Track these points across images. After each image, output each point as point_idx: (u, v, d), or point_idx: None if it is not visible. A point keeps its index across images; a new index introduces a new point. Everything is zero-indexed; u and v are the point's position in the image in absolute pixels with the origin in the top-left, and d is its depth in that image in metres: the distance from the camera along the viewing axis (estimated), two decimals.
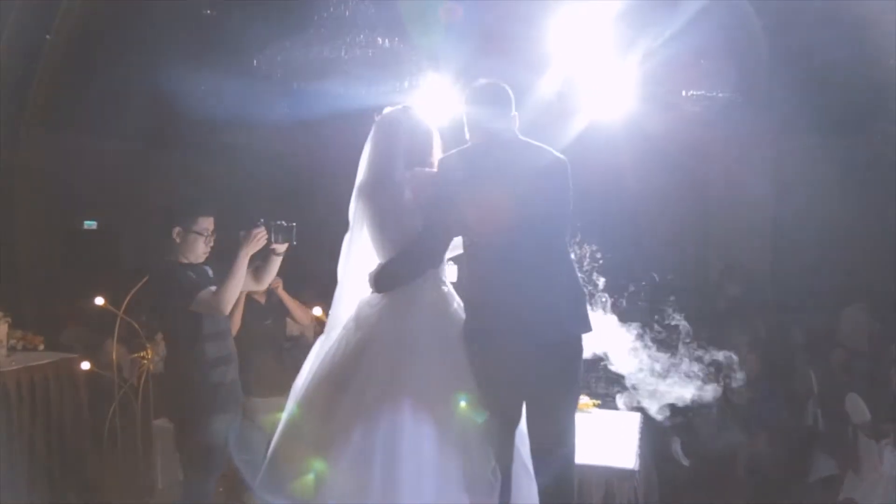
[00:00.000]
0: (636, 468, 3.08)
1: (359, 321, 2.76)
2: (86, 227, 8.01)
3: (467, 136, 2.81)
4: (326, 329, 2.89)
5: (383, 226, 2.77)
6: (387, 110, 2.89)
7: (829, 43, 5.72)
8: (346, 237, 2.89)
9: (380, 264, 2.80)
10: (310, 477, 2.55)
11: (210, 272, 3.29)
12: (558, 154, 2.69)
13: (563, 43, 5.05)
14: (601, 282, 3.44)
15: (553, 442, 2.61)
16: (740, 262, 7.29)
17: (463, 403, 2.58)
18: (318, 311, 4.11)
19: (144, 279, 4.50)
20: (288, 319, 4.36)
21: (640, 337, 3.49)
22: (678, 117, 6.65)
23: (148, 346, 4.65)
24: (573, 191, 2.69)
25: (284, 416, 2.80)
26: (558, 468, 2.61)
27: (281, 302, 4.16)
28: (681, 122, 6.65)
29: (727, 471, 4.97)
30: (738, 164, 7.37)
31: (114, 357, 4.58)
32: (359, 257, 2.85)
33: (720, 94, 6.42)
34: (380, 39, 5.28)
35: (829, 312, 6.04)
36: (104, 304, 4.48)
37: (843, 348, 5.58)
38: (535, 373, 2.56)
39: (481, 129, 2.73)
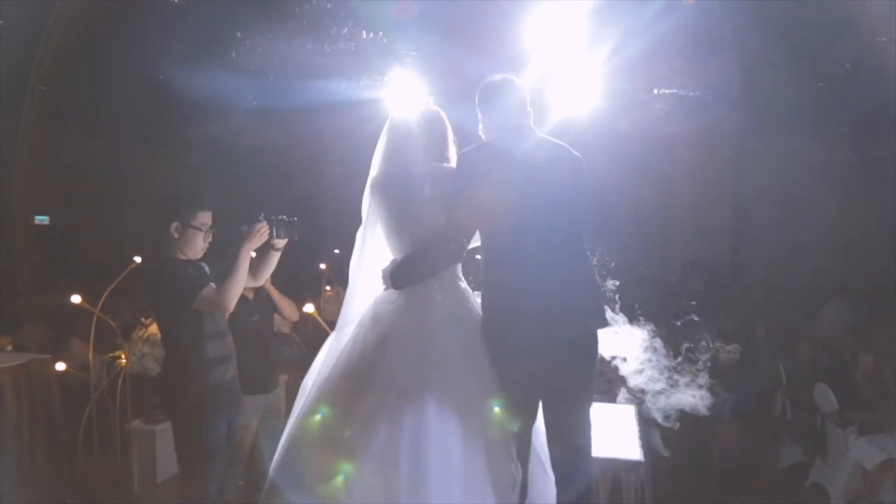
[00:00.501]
0: (642, 459, 3.13)
1: (376, 318, 2.70)
2: (38, 222, 7.64)
3: (481, 131, 2.80)
4: (338, 326, 2.82)
5: (400, 221, 2.72)
6: (402, 105, 2.85)
7: (794, 44, 5.92)
8: (359, 233, 2.82)
9: (394, 260, 2.74)
10: (331, 476, 2.49)
11: (207, 269, 3.18)
12: (574, 151, 2.71)
13: (534, 40, 5.10)
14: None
15: (573, 436, 2.63)
16: (702, 259, 7.49)
17: (485, 401, 2.57)
18: (309, 307, 4.01)
19: (120, 277, 4.38)
20: (275, 315, 4.25)
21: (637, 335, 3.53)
22: (645, 115, 6.78)
23: (124, 345, 4.47)
24: (589, 187, 2.72)
25: (298, 415, 2.72)
26: (577, 462, 2.64)
27: (269, 297, 4.03)
28: (647, 120, 6.79)
29: (702, 460, 5.12)
30: (702, 162, 7.57)
31: (90, 358, 4.37)
32: (372, 253, 2.80)
33: (688, 93, 6.57)
34: (364, 33, 5.23)
35: (793, 306, 6.26)
36: (81, 302, 4.25)
37: (808, 341, 5.80)
38: (556, 367, 2.56)
39: (497, 125, 2.72)
